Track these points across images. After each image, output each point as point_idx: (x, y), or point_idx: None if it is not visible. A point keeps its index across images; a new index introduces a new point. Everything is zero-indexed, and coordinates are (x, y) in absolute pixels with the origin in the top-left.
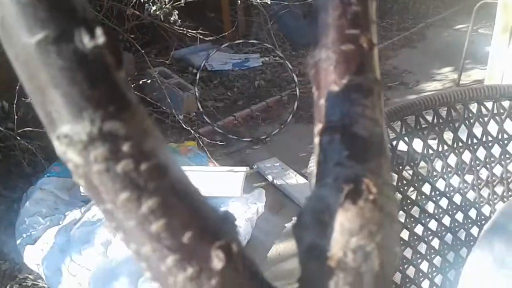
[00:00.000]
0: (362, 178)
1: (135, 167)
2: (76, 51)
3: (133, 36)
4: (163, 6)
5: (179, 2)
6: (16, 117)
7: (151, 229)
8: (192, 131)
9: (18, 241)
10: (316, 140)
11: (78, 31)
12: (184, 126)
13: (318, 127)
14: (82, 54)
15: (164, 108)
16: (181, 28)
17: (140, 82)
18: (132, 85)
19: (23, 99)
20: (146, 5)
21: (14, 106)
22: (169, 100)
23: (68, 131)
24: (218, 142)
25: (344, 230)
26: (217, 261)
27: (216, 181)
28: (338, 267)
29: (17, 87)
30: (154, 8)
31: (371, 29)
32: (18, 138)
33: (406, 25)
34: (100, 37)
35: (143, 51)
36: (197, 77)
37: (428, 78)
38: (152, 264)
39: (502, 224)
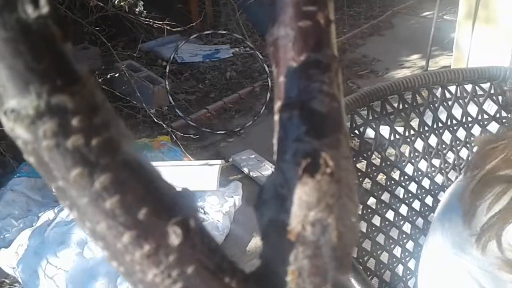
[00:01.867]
0: (319, 153)
1: (86, 142)
2: (19, 21)
3: (98, 28)
4: None
5: None
6: None
7: (105, 206)
8: (164, 125)
9: None
10: (276, 117)
11: (21, 1)
12: (156, 120)
13: (277, 104)
14: (25, 25)
15: (134, 102)
16: (147, 20)
17: (108, 76)
18: (100, 79)
19: None
20: None
21: None
22: (139, 94)
23: (14, 106)
24: (191, 136)
25: (303, 203)
26: (174, 237)
27: (191, 176)
28: (297, 241)
29: None
30: None
31: (328, 6)
32: None
33: (373, 13)
34: (45, 7)
35: (109, 44)
36: (167, 70)
37: (397, 65)
38: (108, 242)
39: (450, 205)
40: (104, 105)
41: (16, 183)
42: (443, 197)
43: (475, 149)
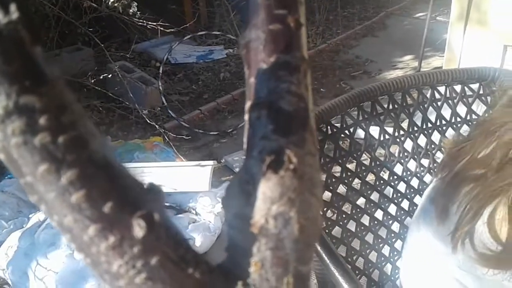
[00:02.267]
0: (284, 150)
1: (53, 139)
2: None
3: (91, 29)
4: None
5: None
6: None
7: (72, 200)
8: (157, 126)
9: None
10: (246, 116)
11: None
12: (149, 121)
13: (248, 104)
14: None
15: (127, 103)
16: (141, 20)
17: (101, 77)
18: (93, 81)
19: None
20: None
21: None
22: (131, 95)
23: None
24: (184, 137)
25: (266, 198)
26: (138, 229)
27: (184, 176)
28: (260, 233)
29: None
30: (112, 0)
31: (299, 10)
32: None
33: (367, 15)
34: (14, 13)
35: (102, 45)
36: (160, 71)
37: (390, 66)
38: (75, 234)
39: (424, 208)
40: (73, 105)
41: (7, 184)
42: (422, 198)
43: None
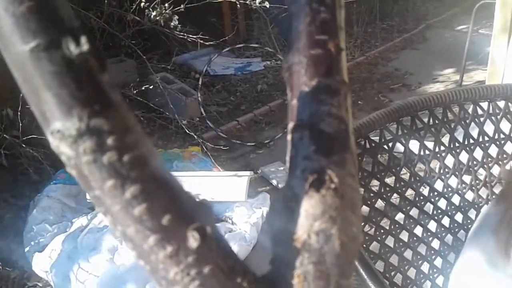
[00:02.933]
0: (326, 170)
1: (119, 158)
2: (64, 57)
3: (134, 42)
4: (163, 11)
5: (179, 8)
6: (21, 124)
7: (134, 213)
8: (195, 136)
9: (26, 249)
10: (289, 137)
11: (65, 40)
12: (188, 131)
13: (290, 125)
14: (69, 60)
15: (167, 113)
16: (181, 33)
17: (143, 88)
18: (135, 91)
19: (27, 106)
20: (146, 10)
21: (19, 113)
22: (172, 106)
23: (60, 127)
24: (222, 147)
25: (309, 215)
26: (193, 240)
27: (221, 186)
28: (303, 248)
29: (21, 95)
30: (154, 13)
31: (339, 35)
32: (24, 145)
33: (406, 27)
34: (85, 45)
35: (144, 57)
36: (200, 82)
37: (430, 79)
38: (136, 243)
39: (483, 236)
40: (135, 127)
41: (52, 190)
42: (475, 225)
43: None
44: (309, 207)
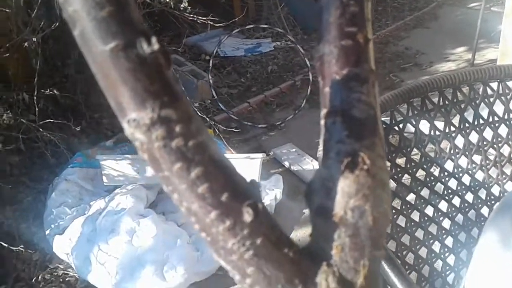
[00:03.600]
0: (358, 153)
1: (185, 143)
2: (138, 55)
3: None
4: None
5: None
6: (37, 109)
7: (198, 191)
8: (207, 119)
9: (47, 232)
10: (322, 122)
11: (139, 40)
12: (200, 114)
13: (323, 111)
14: (142, 58)
15: None
16: (191, 15)
17: None
18: None
19: (43, 91)
20: None
21: (35, 98)
22: (183, 88)
23: (135, 117)
24: (233, 129)
25: (344, 193)
26: (247, 215)
27: None
28: (340, 223)
29: (35, 79)
30: None
31: (366, 27)
32: (41, 129)
33: (418, 5)
34: (155, 44)
35: None
36: (210, 64)
37: (441, 58)
38: (200, 218)
39: (509, 204)
40: (196, 116)
41: (70, 173)
42: (506, 195)
43: None
44: (345, 186)
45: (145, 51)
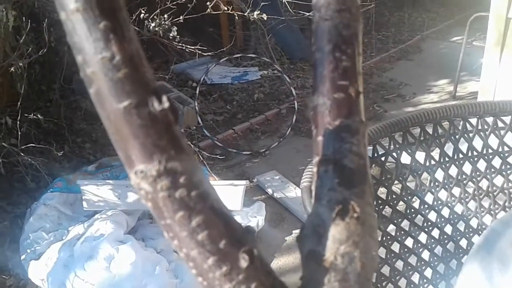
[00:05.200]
0: (349, 201)
1: (188, 193)
2: (150, 113)
3: None
4: (162, 22)
5: (178, 19)
6: (19, 133)
7: (198, 238)
8: (192, 145)
9: (22, 257)
10: (315, 169)
11: (151, 99)
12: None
13: (315, 158)
14: (153, 115)
15: None
16: (180, 44)
17: None
18: None
19: (26, 115)
20: (146, 21)
21: (18, 122)
22: None
23: (143, 169)
24: (218, 156)
25: (335, 240)
26: (243, 261)
27: None
28: (331, 268)
29: (19, 103)
30: (153, 24)
31: (357, 80)
32: (22, 154)
33: (402, 38)
34: (166, 103)
35: None
36: (197, 91)
37: (424, 90)
38: (198, 263)
39: (499, 232)
40: (199, 168)
41: (49, 198)
42: (492, 223)
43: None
44: (336, 233)
45: (156, 109)
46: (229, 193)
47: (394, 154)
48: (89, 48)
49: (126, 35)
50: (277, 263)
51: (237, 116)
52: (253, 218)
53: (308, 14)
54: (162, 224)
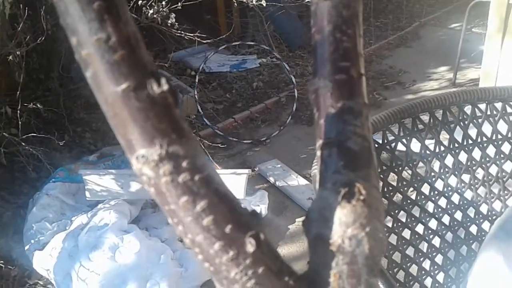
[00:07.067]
0: (354, 183)
1: (191, 178)
2: (148, 96)
3: None
4: (160, 9)
5: (176, 5)
6: (20, 122)
7: (203, 223)
8: (193, 134)
9: (26, 247)
10: (318, 153)
11: (149, 81)
12: None
13: (319, 142)
14: (152, 98)
15: None
16: (178, 31)
17: None
18: None
19: (26, 104)
20: (144, 8)
21: (18, 111)
22: None
23: (144, 153)
24: (219, 145)
25: (342, 222)
26: (250, 246)
27: None
28: (338, 251)
29: (18, 93)
30: (151, 11)
31: (359, 62)
32: (23, 143)
33: (400, 25)
34: (165, 85)
35: None
36: (196, 80)
37: (424, 77)
38: (204, 249)
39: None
40: (202, 152)
41: (51, 188)
42: (505, 212)
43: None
44: (342, 216)
45: (155, 92)
46: (232, 182)
47: (404, 140)
48: (83, 29)
49: (121, 16)
50: (281, 251)
51: (236, 104)
52: (256, 207)
53: (307, 0)
54: (166, 209)
